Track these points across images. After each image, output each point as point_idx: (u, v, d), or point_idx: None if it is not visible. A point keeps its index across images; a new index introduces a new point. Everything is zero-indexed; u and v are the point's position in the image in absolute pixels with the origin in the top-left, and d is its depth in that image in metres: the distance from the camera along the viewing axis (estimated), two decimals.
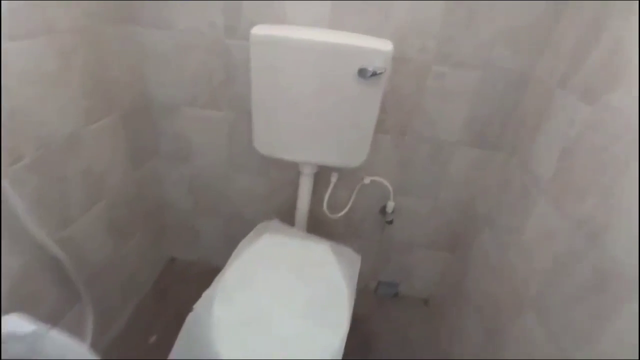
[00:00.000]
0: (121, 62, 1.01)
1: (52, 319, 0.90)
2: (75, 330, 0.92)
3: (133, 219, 1.21)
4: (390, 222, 1.20)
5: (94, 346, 0.83)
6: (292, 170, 1.19)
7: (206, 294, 0.85)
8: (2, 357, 0.53)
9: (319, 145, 1.02)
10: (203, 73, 1.07)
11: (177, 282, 1.45)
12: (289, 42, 0.86)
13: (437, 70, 0.99)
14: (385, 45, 0.87)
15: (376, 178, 1.16)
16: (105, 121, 0.99)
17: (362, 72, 0.88)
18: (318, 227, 1.28)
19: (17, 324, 0.55)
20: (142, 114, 1.14)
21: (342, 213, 1.21)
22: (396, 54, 0.97)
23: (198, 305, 0.82)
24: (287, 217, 1.23)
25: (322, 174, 1.17)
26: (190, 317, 0.81)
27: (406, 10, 0.92)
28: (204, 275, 1.00)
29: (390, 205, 1.20)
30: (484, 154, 1.10)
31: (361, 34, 0.94)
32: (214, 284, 0.88)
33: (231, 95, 1.10)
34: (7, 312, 0.58)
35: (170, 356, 0.79)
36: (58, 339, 0.59)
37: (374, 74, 0.87)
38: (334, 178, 1.14)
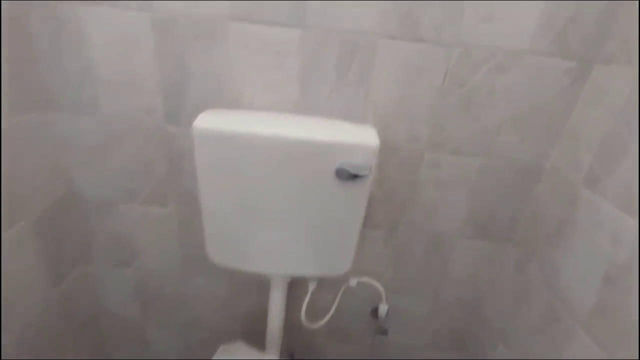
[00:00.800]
0: (36, 156, 0.78)
1: None
2: None
3: (60, 342, 0.94)
4: (385, 333, 0.98)
5: None
6: None
7: None
8: None
9: (289, 254, 0.80)
10: (141, 165, 0.85)
11: None
12: (243, 138, 0.67)
13: (431, 158, 0.81)
14: (369, 138, 0.69)
15: (364, 279, 0.95)
16: (12, 231, 0.75)
17: (340, 174, 0.69)
18: (296, 336, 1.04)
19: None
20: (66, 215, 0.90)
21: (324, 321, 0.97)
22: (381, 142, 0.79)
23: None
24: (258, 325, 0.98)
25: (297, 279, 0.95)
26: None
27: (388, 93, 0.75)
28: None
29: (383, 309, 0.98)
30: (492, 247, 0.91)
31: (337, 121, 0.76)
32: None
33: (179, 189, 0.88)
34: None
35: None
36: None
37: (356, 177, 0.68)
38: (312, 286, 0.92)
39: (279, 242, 0.78)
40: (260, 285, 1.01)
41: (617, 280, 0.58)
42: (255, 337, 1.10)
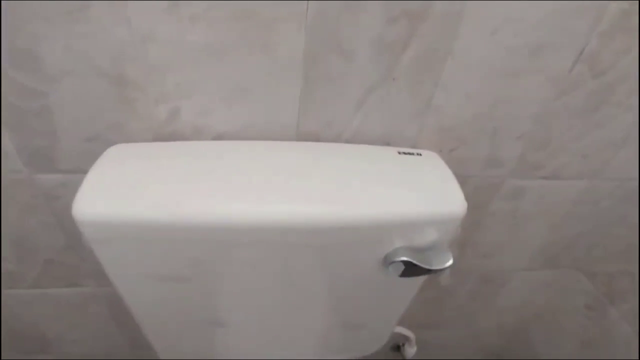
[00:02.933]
0: None
1: None
2: None
3: None
4: None
5: None
6: None
7: None
8: None
9: (291, 340, 0.52)
10: (19, 240, 0.46)
11: None
12: (187, 226, 0.31)
13: (514, 186, 0.50)
14: (445, 198, 0.36)
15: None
16: None
17: (394, 265, 0.37)
18: None
19: None
20: None
21: None
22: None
23: None
24: None
25: None
26: None
27: (469, 93, 0.39)
28: None
29: (410, 352, 0.78)
30: (557, 275, 0.69)
31: (370, 147, 0.41)
32: None
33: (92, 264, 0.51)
34: None
35: None
36: None
37: (427, 270, 0.37)
38: None
39: (270, 330, 0.49)
40: None
41: None
42: None
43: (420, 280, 0.42)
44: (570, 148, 0.47)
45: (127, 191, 0.31)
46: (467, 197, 0.36)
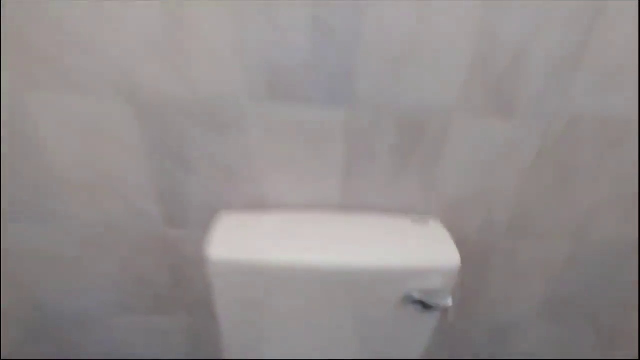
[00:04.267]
0: None
1: None
2: None
3: None
4: None
5: None
6: None
7: None
8: None
9: None
10: (131, 276, 0.65)
11: None
12: (276, 269, 0.48)
13: (506, 247, 0.64)
14: (445, 252, 0.51)
15: None
16: None
17: (409, 302, 0.52)
18: None
19: None
20: (42, 340, 0.70)
21: None
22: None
23: None
24: None
25: None
26: None
27: (462, 180, 0.57)
28: None
29: None
30: (565, 330, 0.77)
31: (392, 218, 0.58)
32: None
33: (185, 298, 0.69)
34: None
35: None
36: None
37: (431, 307, 0.51)
38: None
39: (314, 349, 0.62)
40: None
41: None
42: None
43: (433, 318, 0.55)
44: (550, 216, 0.61)
45: (241, 242, 0.49)
46: (466, 254, 0.51)
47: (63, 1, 0.41)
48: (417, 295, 0.51)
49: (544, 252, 0.65)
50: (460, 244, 0.63)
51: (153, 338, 0.75)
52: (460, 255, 0.64)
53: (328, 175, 0.55)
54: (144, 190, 0.56)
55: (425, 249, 0.51)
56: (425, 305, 0.51)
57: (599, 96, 0.50)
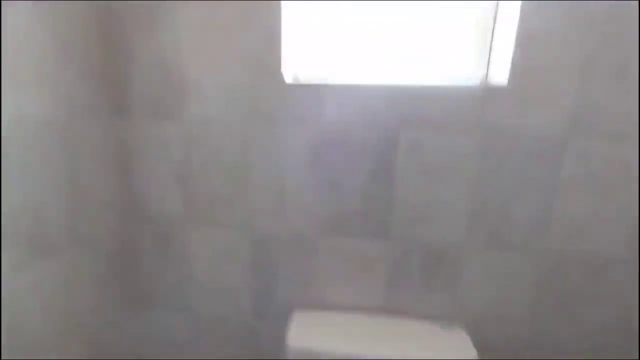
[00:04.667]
0: (127, 353, 0.82)
1: None
2: None
3: None
4: None
5: None
6: None
7: None
8: None
9: None
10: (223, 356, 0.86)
11: None
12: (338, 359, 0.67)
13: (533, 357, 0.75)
14: (464, 353, 0.66)
15: None
16: None
17: None
18: None
19: None
20: None
21: None
22: (476, 344, 0.76)
23: None
24: None
25: None
26: None
27: (478, 297, 0.74)
28: None
29: None
30: None
31: (425, 326, 0.74)
32: None
33: None
34: None
35: None
36: None
37: None
38: None
39: None
40: None
41: None
42: None
43: None
44: (564, 330, 0.73)
45: (313, 334, 0.69)
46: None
47: (217, 180, 0.74)
48: None
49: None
50: (483, 349, 0.76)
51: None
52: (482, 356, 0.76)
53: (374, 287, 0.76)
54: (244, 293, 0.80)
55: (449, 350, 0.67)
56: None
57: (576, 239, 0.68)
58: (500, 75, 0.65)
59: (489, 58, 0.71)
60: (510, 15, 0.63)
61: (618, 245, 0.67)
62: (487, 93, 0.64)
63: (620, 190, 0.65)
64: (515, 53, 0.61)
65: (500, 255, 0.71)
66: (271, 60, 0.67)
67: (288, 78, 0.70)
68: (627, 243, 0.67)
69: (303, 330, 0.71)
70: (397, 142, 0.68)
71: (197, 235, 0.79)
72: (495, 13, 0.69)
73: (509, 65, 0.62)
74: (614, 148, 0.63)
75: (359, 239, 0.74)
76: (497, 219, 0.69)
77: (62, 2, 0.62)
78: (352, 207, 0.72)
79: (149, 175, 0.77)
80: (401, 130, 0.67)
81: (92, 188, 0.71)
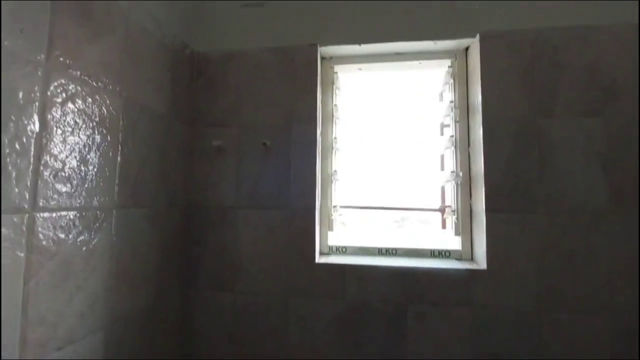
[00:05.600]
0: None
1: None
2: None
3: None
4: None
5: None
6: None
7: None
8: None
9: None
10: None
11: None
12: None
13: None
14: None
15: None
16: None
17: None
18: None
19: None
20: None
21: None
22: None
23: None
24: None
25: None
26: None
27: None
28: None
29: None
30: None
31: None
32: None
33: None
34: None
35: None
36: None
37: None
38: None
39: None
40: None
41: None
42: None
43: None
44: None
45: None
46: None
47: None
48: None
49: None
50: None
51: None
52: None
53: None
54: None
55: None
56: None
57: None
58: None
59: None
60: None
61: None
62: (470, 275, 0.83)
63: None
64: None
65: None
66: (306, 246, 0.91)
67: (318, 259, 0.93)
68: None
69: None
70: (406, 313, 0.85)
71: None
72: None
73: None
74: None
75: None
76: None
77: (164, 208, 0.90)
78: None
79: (204, 336, 0.95)
80: (409, 304, 0.85)
81: (162, 348, 0.88)
